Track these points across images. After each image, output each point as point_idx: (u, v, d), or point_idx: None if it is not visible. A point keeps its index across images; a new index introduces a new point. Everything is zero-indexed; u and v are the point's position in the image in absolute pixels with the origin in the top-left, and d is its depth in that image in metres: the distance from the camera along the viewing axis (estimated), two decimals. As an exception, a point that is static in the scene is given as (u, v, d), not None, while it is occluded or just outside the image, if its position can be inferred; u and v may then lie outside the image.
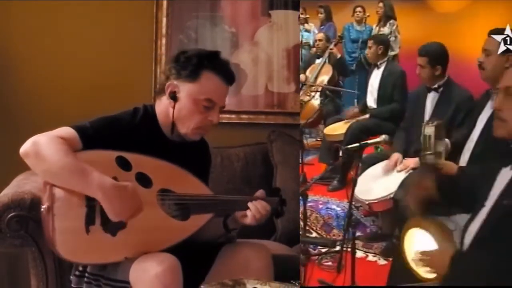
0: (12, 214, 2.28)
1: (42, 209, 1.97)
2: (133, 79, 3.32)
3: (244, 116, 3.50)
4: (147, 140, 2.09)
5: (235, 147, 3.31)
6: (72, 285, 2.11)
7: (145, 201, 2.00)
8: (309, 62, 4.33)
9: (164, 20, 3.39)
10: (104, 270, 2.03)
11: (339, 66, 4.17)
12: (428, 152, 2.41)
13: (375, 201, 2.82)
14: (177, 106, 2.11)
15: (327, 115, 4.02)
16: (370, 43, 3.76)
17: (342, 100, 4.22)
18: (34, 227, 2.24)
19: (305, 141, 4.32)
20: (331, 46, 4.20)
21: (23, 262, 2.52)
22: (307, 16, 4.74)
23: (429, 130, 2.44)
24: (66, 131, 2.01)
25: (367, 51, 3.82)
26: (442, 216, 2.02)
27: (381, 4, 4.19)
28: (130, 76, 3.33)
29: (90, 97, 3.25)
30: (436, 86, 2.96)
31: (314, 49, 4.43)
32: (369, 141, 2.68)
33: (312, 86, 4.05)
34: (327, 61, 4.15)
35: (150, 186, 2.03)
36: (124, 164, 2.01)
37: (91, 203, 1.95)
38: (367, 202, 2.85)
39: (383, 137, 2.63)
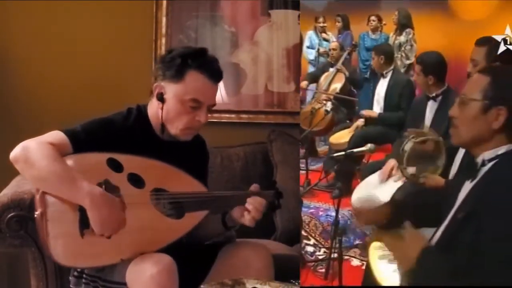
0: (12, 214, 2.29)
1: (35, 215, 1.96)
2: (133, 79, 3.31)
3: (244, 115, 3.50)
4: (140, 141, 2.07)
5: (235, 147, 3.31)
6: (71, 286, 2.11)
7: (139, 201, 1.99)
8: (324, 70, 4.36)
9: (164, 19, 3.39)
10: (101, 272, 2.02)
11: (350, 80, 4.19)
12: (403, 166, 2.40)
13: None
14: (165, 108, 2.09)
15: (338, 123, 4.03)
16: (372, 53, 3.77)
17: (356, 108, 4.21)
18: (34, 227, 2.22)
19: (318, 149, 4.33)
20: (345, 55, 4.23)
21: (23, 262, 2.53)
22: (325, 25, 4.78)
23: (409, 145, 2.43)
24: (57, 136, 2.00)
25: (371, 61, 3.83)
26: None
27: (396, 13, 4.21)
28: (129, 76, 3.32)
29: (89, 97, 3.25)
30: (434, 94, 2.95)
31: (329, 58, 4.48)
32: (354, 150, 2.67)
33: (323, 94, 4.07)
34: (340, 69, 4.17)
35: (143, 187, 2.02)
36: (116, 166, 1.99)
37: (83, 207, 1.93)
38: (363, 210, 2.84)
39: (368, 146, 2.62)
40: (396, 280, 1.81)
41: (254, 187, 2.14)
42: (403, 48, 4.16)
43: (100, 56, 3.32)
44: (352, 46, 4.39)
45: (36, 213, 1.95)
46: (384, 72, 3.73)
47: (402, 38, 4.18)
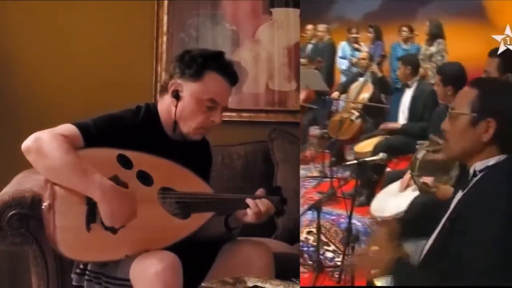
0: (13, 212, 2.28)
1: (43, 207, 1.97)
2: (134, 77, 3.32)
3: (245, 114, 3.49)
4: (148, 139, 2.09)
5: (236, 145, 3.31)
6: (73, 283, 2.12)
7: (146, 199, 2.00)
8: (354, 80, 4.39)
9: (165, 18, 3.39)
10: (104, 268, 2.03)
11: (381, 85, 4.21)
12: (416, 173, 2.41)
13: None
14: (180, 105, 2.11)
15: (366, 132, 4.05)
16: (399, 64, 3.77)
17: (386, 118, 4.22)
18: (35, 225, 2.24)
19: (348, 157, 4.35)
20: (373, 65, 4.24)
21: (24, 260, 2.53)
22: (358, 35, 4.82)
23: (421, 153, 2.43)
24: (68, 128, 2.01)
25: (397, 71, 3.83)
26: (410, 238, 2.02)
27: (427, 23, 4.20)
28: (131, 74, 3.33)
29: (91, 95, 3.25)
30: (452, 105, 2.92)
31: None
32: (366, 159, 2.69)
33: (351, 103, 4.11)
34: (369, 79, 4.19)
35: (151, 184, 2.03)
36: (125, 162, 2.01)
37: (91, 200, 1.95)
38: (379, 219, 2.85)
39: (380, 155, 2.64)
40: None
41: (260, 191, 2.15)
42: (434, 59, 4.15)
43: (101, 55, 3.31)
44: (380, 56, 4.40)
45: (44, 204, 1.96)
46: (409, 83, 3.73)
47: (433, 49, 4.16)
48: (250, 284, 1.87)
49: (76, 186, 1.94)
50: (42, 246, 2.32)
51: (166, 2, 3.39)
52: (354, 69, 4.58)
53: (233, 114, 3.45)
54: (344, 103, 4.22)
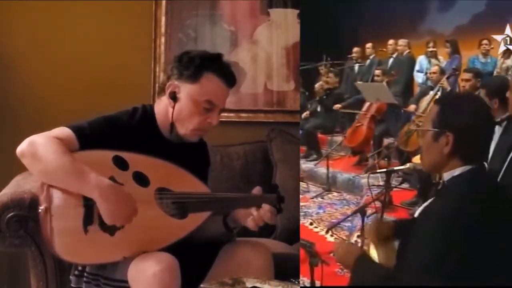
0: (12, 213, 2.28)
1: (39, 210, 1.97)
2: (132, 77, 3.32)
3: (243, 114, 3.50)
4: (144, 140, 2.08)
5: (235, 146, 3.31)
6: (72, 285, 2.11)
7: (143, 200, 1.99)
8: (425, 94, 4.44)
9: (163, 19, 3.39)
10: (103, 270, 2.03)
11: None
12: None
13: None
14: (177, 107, 2.11)
15: None
16: (468, 75, 3.75)
17: None
18: (34, 226, 2.24)
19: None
20: (443, 79, 4.26)
21: (23, 261, 2.53)
22: (434, 49, 4.89)
23: None
24: (63, 131, 2.01)
25: (463, 83, 3.82)
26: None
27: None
28: (129, 74, 3.33)
29: (89, 96, 3.25)
30: (499, 119, 2.87)
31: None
32: (395, 168, 2.72)
33: (419, 116, 4.17)
34: (438, 93, 4.21)
35: (148, 185, 2.03)
36: (121, 164, 2.01)
37: (88, 203, 1.94)
38: None
39: (408, 165, 2.66)
40: None
41: (257, 190, 2.15)
42: (510, 72, 4.13)
43: (99, 55, 3.32)
44: (452, 70, 4.41)
45: (41, 208, 1.96)
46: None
47: (509, 62, 4.14)
48: (248, 285, 1.87)
49: (73, 188, 1.94)
50: (41, 247, 2.32)
51: (164, 3, 3.39)
52: (429, 83, 4.63)
53: (232, 114, 3.46)
54: (413, 116, 4.28)
